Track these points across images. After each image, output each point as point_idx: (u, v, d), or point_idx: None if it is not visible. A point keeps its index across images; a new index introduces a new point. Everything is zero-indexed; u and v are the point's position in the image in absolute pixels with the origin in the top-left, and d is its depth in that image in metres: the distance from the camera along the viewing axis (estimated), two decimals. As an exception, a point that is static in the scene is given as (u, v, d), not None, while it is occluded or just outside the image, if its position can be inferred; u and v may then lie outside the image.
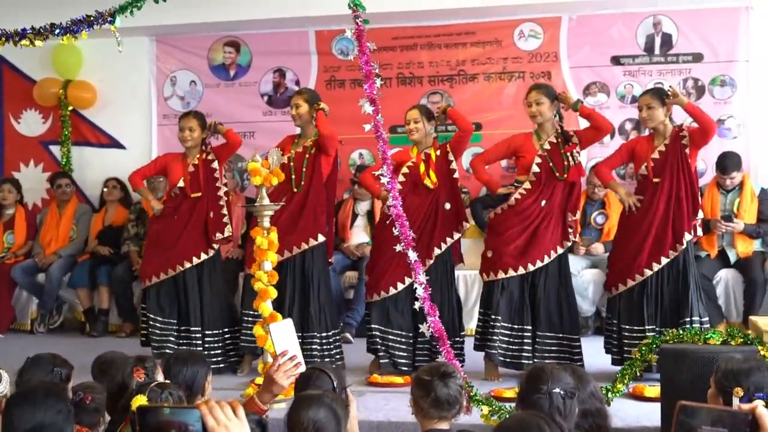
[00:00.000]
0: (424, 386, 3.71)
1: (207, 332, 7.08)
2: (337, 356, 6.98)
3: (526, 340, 6.62)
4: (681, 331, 4.88)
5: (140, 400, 3.55)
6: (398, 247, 5.63)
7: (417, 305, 5.52)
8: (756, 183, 8.27)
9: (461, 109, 8.83)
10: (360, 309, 8.28)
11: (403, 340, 6.75)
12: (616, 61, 9.05)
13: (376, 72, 5.66)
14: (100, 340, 8.52)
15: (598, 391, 3.70)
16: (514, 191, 6.69)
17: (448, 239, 6.81)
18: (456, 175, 6.87)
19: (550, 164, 6.62)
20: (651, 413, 5.27)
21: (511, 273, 6.59)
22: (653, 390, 5.65)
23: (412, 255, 5.53)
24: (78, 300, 9.14)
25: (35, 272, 9.21)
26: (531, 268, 6.60)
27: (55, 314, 9.36)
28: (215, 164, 7.17)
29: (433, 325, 5.41)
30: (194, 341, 6.99)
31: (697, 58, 8.89)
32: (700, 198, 6.65)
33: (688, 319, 6.33)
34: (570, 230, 6.70)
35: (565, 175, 6.60)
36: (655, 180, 6.53)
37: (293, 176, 6.87)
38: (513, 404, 5.03)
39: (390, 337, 6.76)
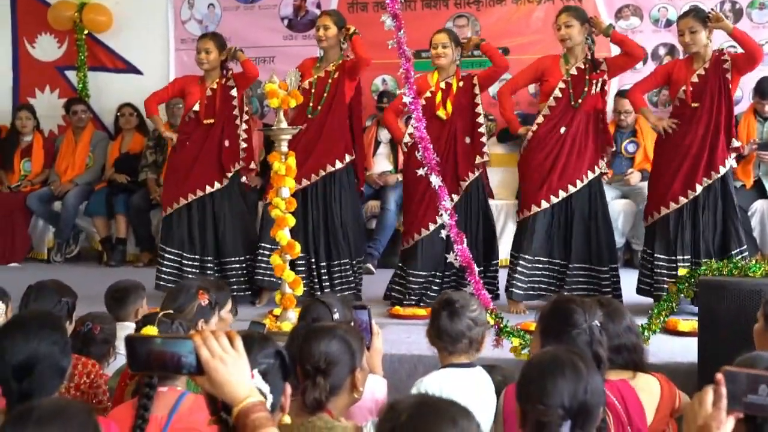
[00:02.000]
0: (432, 315, 3.63)
1: (225, 260, 6.91)
2: (355, 285, 6.81)
3: (546, 272, 6.45)
4: (720, 263, 4.64)
5: (150, 331, 3.38)
6: (421, 171, 5.40)
7: (443, 233, 5.30)
8: (795, 111, 7.94)
9: (488, 33, 8.62)
10: (382, 239, 8.11)
11: (431, 278, 6.54)
12: (650, -18, 8.67)
13: (400, -16, 5.37)
14: (117, 269, 8.37)
15: (634, 325, 3.50)
16: (532, 127, 6.48)
17: (470, 174, 6.54)
18: (479, 110, 6.59)
19: (570, 91, 6.37)
20: (685, 349, 5.05)
21: (537, 208, 6.36)
22: (687, 324, 5.45)
23: (435, 180, 5.28)
24: (95, 229, 8.98)
25: (51, 200, 9.05)
26: (554, 200, 6.36)
27: (71, 243, 9.23)
28: (234, 91, 6.93)
29: (461, 254, 5.18)
30: (207, 272, 6.81)
31: (736, -21, 8.51)
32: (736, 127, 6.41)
33: (736, 250, 6.10)
34: (602, 160, 6.47)
35: (579, 101, 6.34)
36: (694, 105, 6.24)
37: (311, 103, 6.63)
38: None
39: (420, 280, 6.52)
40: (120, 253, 8.83)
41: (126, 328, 4.49)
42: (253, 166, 7.18)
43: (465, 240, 5.31)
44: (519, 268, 6.40)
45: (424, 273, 6.52)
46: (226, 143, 6.89)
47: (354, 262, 6.83)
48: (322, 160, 6.66)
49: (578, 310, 3.09)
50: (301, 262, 6.41)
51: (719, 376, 2.05)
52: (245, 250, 6.96)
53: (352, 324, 3.44)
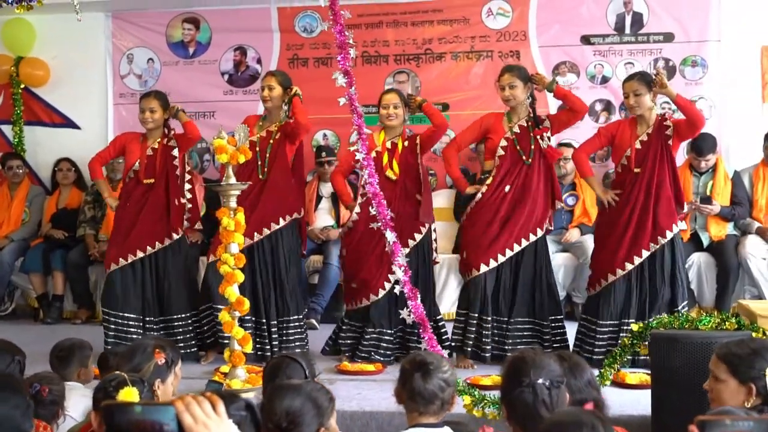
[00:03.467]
0: (403, 376, 3.54)
1: (170, 317, 6.81)
2: (303, 341, 6.74)
3: (496, 329, 6.44)
4: (670, 317, 4.71)
5: (129, 394, 3.28)
6: (375, 225, 5.39)
7: (397, 289, 5.27)
8: (728, 165, 8.12)
9: (428, 89, 8.72)
10: (326, 294, 8.07)
11: (383, 336, 6.52)
12: (586, 40, 8.84)
13: (349, 42, 5.38)
14: (54, 327, 8.20)
15: (594, 380, 3.51)
16: (482, 188, 6.48)
17: (416, 235, 6.52)
18: (420, 169, 6.62)
19: (517, 148, 6.42)
20: (635, 401, 5.10)
21: (485, 268, 6.34)
22: (635, 377, 5.50)
23: (390, 235, 5.28)
24: (31, 286, 8.80)
25: (-15, 257, 8.85)
26: (501, 259, 6.37)
27: (6, 301, 9.03)
28: (176, 152, 6.86)
29: (414, 310, 5.17)
30: (150, 332, 6.68)
31: (668, 37, 8.72)
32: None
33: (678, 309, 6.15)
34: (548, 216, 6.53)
35: (531, 159, 6.39)
36: (636, 170, 6.31)
37: (259, 162, 6.61)
38: (494, 393, 4.86)
39: (371, 336, 6.50)
40: (57, 310, 8.65)
41: (72, 388, 4.40)
42: (198, 226, 7.11)
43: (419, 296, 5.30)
44: (469, 327, 6.37)
45: (376, 330, 6.50)
46: (176, 202, 6.80)
47: (300, 316, 6.78)
48: (267, 219, 6.61)
49: (523, 368, 3.06)
50: (248, 316, 6.33)
51: (692, 427, 2.07)
52: (191, 307, 6.86)
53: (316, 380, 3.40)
